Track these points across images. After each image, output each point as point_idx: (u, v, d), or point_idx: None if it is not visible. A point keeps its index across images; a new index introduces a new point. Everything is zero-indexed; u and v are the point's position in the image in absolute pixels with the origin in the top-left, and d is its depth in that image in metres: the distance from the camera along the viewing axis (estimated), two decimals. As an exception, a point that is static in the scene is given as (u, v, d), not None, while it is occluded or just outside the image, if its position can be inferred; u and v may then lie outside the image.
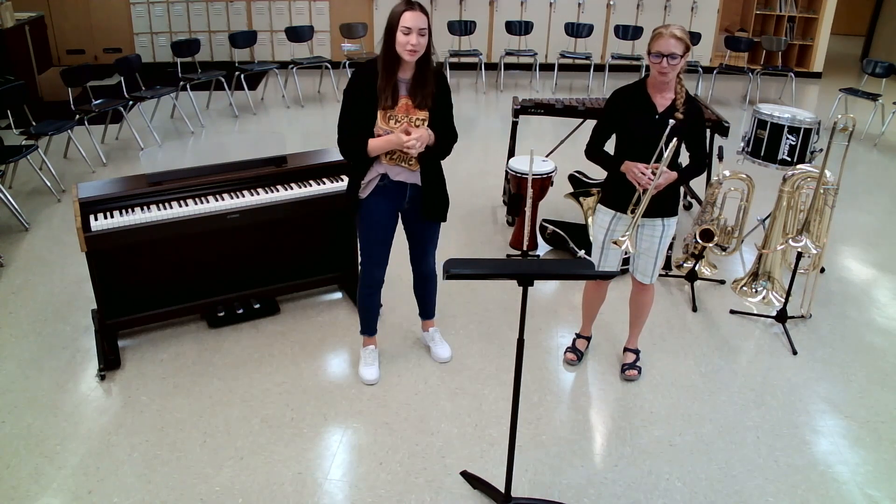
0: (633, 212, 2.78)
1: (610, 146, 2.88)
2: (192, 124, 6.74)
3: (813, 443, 2.82)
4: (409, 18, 2.50)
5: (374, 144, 2.66)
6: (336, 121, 2.74)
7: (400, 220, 2.95)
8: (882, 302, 3.91)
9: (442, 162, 2.84)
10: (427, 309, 3.27)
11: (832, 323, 3.68)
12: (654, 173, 2.66)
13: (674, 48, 2.59)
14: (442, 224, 2.98)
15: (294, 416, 2.89)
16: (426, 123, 2.68)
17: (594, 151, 2.89)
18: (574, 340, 3.33)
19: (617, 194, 2.84)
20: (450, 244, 4.39)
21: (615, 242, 2.78)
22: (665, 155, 2.65)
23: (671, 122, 2.66)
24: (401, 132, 2.62)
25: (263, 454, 2.68)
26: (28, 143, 5.08)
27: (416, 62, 2.61)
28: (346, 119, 2.71)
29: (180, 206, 3.17)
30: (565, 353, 3.29)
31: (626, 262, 3.17)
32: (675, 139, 2.64)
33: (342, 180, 3.42)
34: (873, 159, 6.47)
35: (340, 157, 3.22)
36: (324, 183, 3.41)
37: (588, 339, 3.34)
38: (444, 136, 2.76)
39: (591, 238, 4.11)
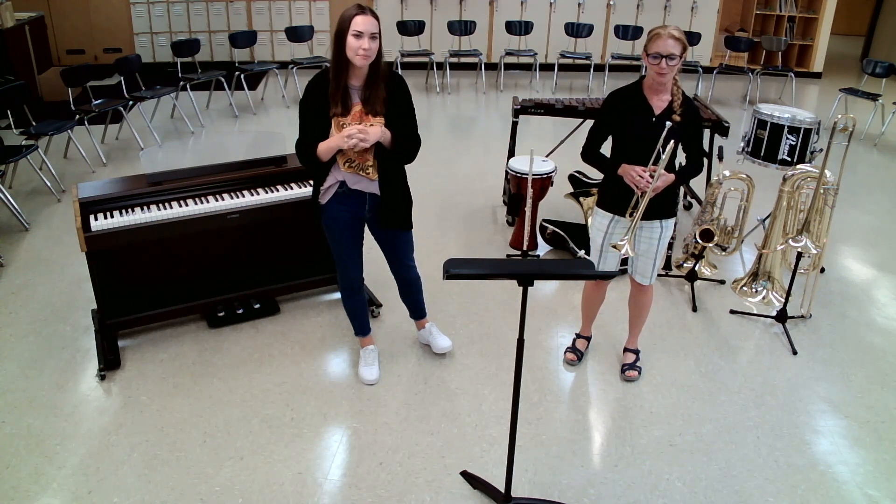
0: (631, 215, 2.78)
1: (606, 149, 2.88)
2: (192, 124, 6.74)
3: (813, 443, 2.82)
4: (360, 22, 2.47)
5: (323, 146, 2.63)
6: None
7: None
8: (882, 302, 3.91)
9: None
10: (417, 310, 3.26)
11: (832, 323, 3.68)
12: (651, 176, 2.65)
13: (672, 49, 2.58)
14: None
15: (294, 416, 2.89)
16: None
17: (590, 154, 2.87)
18: (574, 340, 3.33)
19: (614, 197, 2.84)
20: (450, 244, 4.39)
21: (614, 246, 2.77)
22: (663, 157, 2.64)
23: (668, 124, 2.66)
24: (355, 126, 2.57)
25: (263, 454, 2.69)
26: (28, 143, 5.08)
27: (368, 67, 2.58)
28: (301, 130, 2.70)
29: (180, 206, 3.17)
30: (565, 353, 3.29)
31: (624, 262, 3.17)
32: (672, 141, 2.64)
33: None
34: (873, 159, 6.47)
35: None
36: (324, 183, 3.41)
37: (588, 339, 3.34)
38: (405, 139, 2.71)
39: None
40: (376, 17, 2.54)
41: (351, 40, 2.49)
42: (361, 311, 3.13)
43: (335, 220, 2.81)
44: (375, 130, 2.58)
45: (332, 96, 2.60)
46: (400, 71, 2.83)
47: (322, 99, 2.62)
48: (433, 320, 3.35)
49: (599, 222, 2.93)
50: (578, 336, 3.33)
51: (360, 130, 2.54)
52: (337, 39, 2.54)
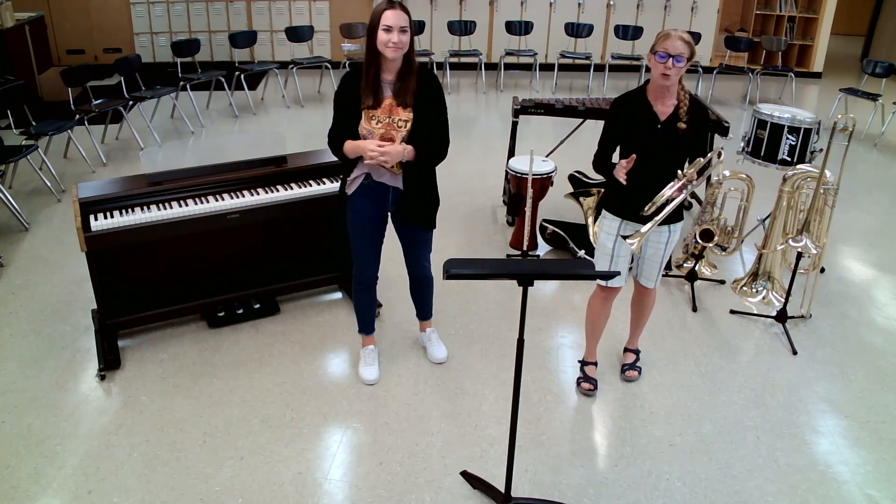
0: (648, 217, 2.72)
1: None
2: (192, 124, 6.74)
3: (813, 443, 2.82)
4: (389, 17, 2.52)
5: (348, 147, 2.68)
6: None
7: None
8: (882, 302, 3.91)
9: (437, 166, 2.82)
10: (424, 310, 3.27)
11: (832, 323, 3.68)
12: (684, 184, 2.66)
13: (681, 49, 2.55)
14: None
15: (294, 416, 2.89)
16: (409, 124, 2.66)
17: (602, 164, 2.83)
18: (582, 367, 3.17)
19: (624, 202, 2.80)
20: (450, 244, 4.39)
21: (625, 237, 2.75)
22: (691, 166, 2.67)
23: (722, 141, 2.67)
24: (377, 140, 2.62)
25: (263, 454, 2.69)
26: (28, 143, 5.08)
27: (401, 60, 2.61)
28: (334, 121, 2.75)
29: (180, 206, 3.17)
30: (579, 384, 3.12)
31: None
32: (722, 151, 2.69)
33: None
34: (873, 159, 6.47)
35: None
36: (324, 183, 3.41)
37: (595, 364, 3.19)
38: (433, 141, 2.72)
39: (591, 240, 4.11)
40: (406, 11, 2.57)
41: (381, 34, 2.53)
42: (369, 310, 3.14)
43: (357, 214, 2.84)
44: (397, 150, 2.60)
45: (363, 89, 2.64)
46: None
47: (354, 92, 2.66)
48: (433, 320, 3.35)
49: (609, 226, 2.89)
50: (586, 363, 3.17)
51: (381, 153, 2.58)
52: (369, 35, 2.58)
